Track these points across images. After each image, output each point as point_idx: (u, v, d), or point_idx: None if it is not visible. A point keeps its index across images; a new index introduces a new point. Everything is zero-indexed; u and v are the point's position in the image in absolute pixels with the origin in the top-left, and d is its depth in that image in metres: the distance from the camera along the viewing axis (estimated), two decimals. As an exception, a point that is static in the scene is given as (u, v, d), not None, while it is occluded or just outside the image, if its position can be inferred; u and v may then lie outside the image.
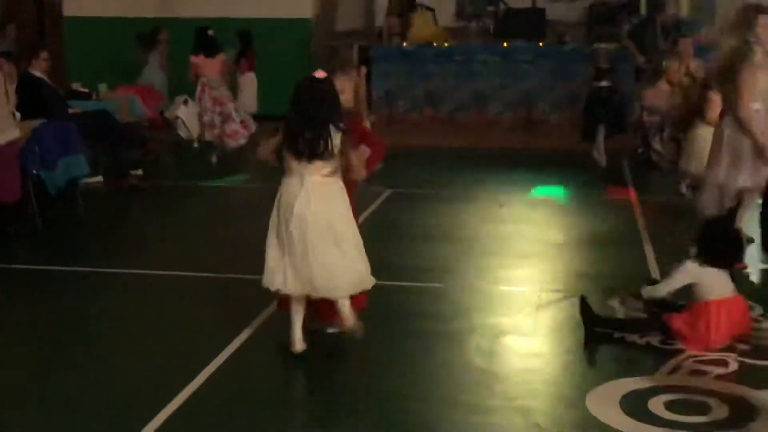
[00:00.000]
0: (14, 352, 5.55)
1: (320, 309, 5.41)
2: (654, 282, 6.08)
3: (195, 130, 11.59)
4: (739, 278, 6.15)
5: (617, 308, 6.15)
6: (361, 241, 5.29)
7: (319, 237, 5.08)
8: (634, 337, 5.60)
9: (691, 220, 6.91)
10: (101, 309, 6.42)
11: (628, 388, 4.93)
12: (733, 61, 6.74)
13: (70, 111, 9.74)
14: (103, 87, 11.83)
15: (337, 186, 5.19)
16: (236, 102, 12.04)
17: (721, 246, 5.66)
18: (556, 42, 14.60)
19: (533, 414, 4.65)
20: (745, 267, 6.98)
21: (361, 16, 16.47)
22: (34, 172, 8.23)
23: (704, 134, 8.18)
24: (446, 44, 14.54)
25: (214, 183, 10.58)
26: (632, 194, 9.79)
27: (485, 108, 14.32)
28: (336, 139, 5.09)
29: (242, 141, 11.69)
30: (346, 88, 5.59)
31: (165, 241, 8.34)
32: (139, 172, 10.46)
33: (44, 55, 9.51)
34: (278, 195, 5.22)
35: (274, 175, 5.39)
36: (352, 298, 5.26)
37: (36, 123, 8.50)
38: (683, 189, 9.34)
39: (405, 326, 5.89)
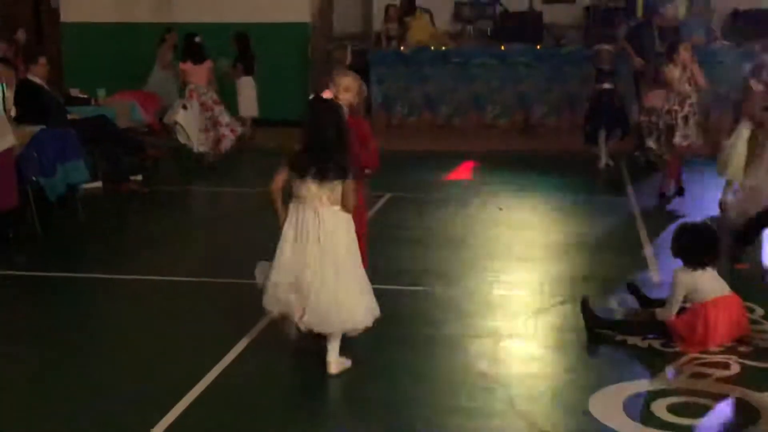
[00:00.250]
0: (15, 358, 5.53)
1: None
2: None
3: (194, 136, 11.59)
4: (739, 278, 6.16)
5: (616, 309, 6.17)
6: (363, 274, 5.20)
7: (324, 267, 5.00)
8: (635, 340, 5.61)
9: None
10: (101, 314, 6.42)
11: (630, 391, 4.94)
12: None
13: (69, 117, 9.72)
14: (101, 92, 11.81)
15: (344, 217, 5.09)
16: (223, 104, 12.03)
17: (699, 246, 5.72)
18: (554, 45, 14.61)
19: (535, 418, 4.65)
20: (746, 267, 7.01)
21: (359, 20, 16.48)
22: (33, 178, 8.22)
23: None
24: (444, 47, 14.54)
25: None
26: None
27: (483, 111, 14.33)
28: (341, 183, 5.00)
29: (229, 144, 11.77)
30: (352, 86, 5.60)
31: (165, 246, 8.33)
32: (139, 177, 10.46)
33: (43, 60, 9.48)
34: (289, 220, 5.11)
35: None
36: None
37: (35, 129, 8.50)
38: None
39: (404, 331, 5.88)
